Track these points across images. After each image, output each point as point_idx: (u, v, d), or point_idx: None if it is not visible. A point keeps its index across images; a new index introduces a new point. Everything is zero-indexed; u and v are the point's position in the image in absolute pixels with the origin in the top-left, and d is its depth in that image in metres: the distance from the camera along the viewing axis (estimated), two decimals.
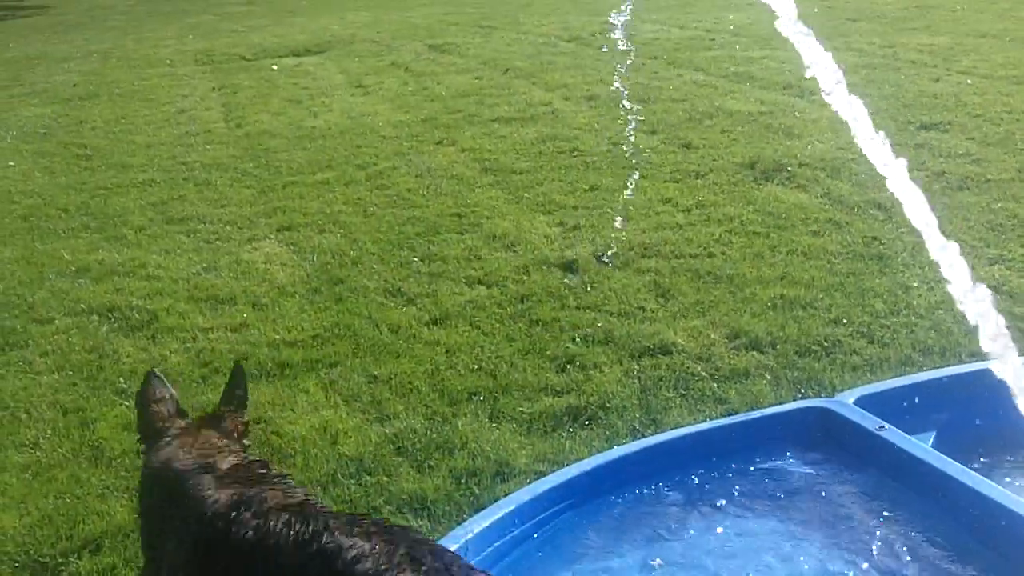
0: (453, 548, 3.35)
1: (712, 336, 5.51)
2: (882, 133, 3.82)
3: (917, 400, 4.16)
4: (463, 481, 4.29)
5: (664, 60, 13.90)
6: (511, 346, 5.60)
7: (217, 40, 19.55)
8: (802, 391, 4.83)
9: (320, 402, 5.09)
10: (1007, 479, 3.79)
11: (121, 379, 5.50)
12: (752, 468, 3.95)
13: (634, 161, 9.04)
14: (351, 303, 6.31)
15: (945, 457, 3.69)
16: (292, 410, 5.00)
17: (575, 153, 9.53)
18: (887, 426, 3.87)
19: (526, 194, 8.40)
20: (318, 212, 8.26)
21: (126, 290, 6.79)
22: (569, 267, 6.65)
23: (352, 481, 4.34)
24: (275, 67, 15.88)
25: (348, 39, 18.34)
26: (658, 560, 3.54)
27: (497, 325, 5.88)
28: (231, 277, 6.86)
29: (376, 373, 5.35)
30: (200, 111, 13.03)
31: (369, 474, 4.39)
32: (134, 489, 4.18)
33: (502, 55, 15.38)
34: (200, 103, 13.61)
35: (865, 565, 3.43)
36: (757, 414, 4.26)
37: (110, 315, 6.40)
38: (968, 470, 3.59)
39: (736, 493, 3.85)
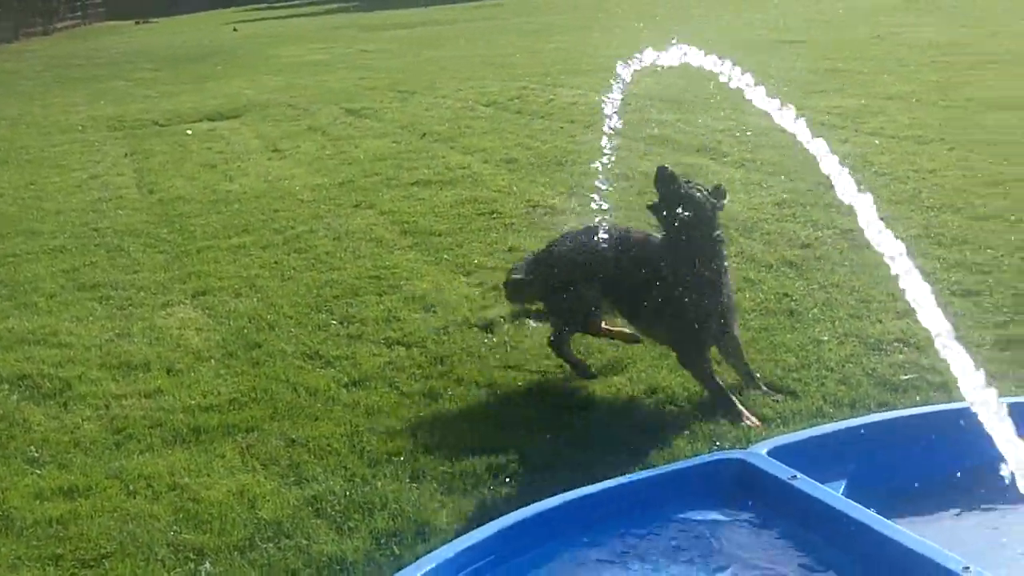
0: None
1: (630, 392, 5.58)
2: None
3: (829, 450, 4.25)
4: (383, 542, 4.28)
5: (581, 124, 14.11)
6: (431, 406, 5.62)
7: (129, 106, 19.42)
8: (717, 443, 4.91)
9: (237, 467, 5.05)
10: (915, 524, 3.87)
11: (32, 448, 5.41)
12: (669, 519, 4.00)
13: (553, 222, 9.16)
14: (268, 367, 6.28)
15: (856, 504, 3.77)
16: (208, 475, 4.96)
17: (494, 215, 9.61)
18: (799, 476, 3.95)
19: (445, 256, 8.45)
20: (234, 276, 8.23)
21: (37, 358, 6.69)
22: (488, 327, 6.70)
23: (271, 544, 4.31)
24: (189, 132, 15.83)
25: (263, 104, 18.35)
26: None
27: (417, 385, 5.89)
28: (145, 343, 6.80)
29: (294, 436, 5.33)
30: (112, 176, 12.94)
31: (288, 537, 4.37)
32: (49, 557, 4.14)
33: (420, 119, 15.49)
34: (112, 169, 13.50)
35: None
36: (673, 467, 4.32)
37: (20, 384, 6.30)
38: (878, 516, 3.67)
39: (654, 545, 3.89)
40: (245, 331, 6.92)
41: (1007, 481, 3.60)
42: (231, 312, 7.32)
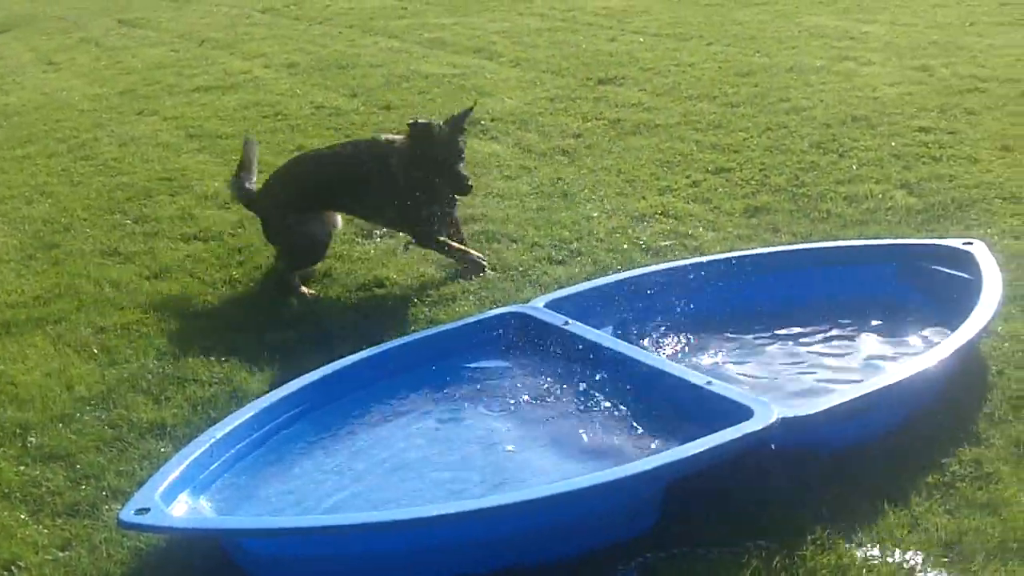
0: (196, 455, 3.75)
1: (422, 269, 6.03)
2: None
3: (597, 301, 4.83)
4: (200, 407, 4.64)
5: (360, 28, 14.33)
6: (233, 292, 5.95)
7: None
8: (498, 303, 5.42)
9: (50, 354, 5.29)
10: (667, 354, 4.52)
11: None
12: (461, 367, 4.53)
13: (338, 122, 9.47)
14: (69, 265, 6.46)
15: (619, 340, 4.38)
16: (23, 362, 5.19)
17: (279, 117, 9.84)
18: (571, 321, 4.52)
19: (234, 157, 8.57)
20: (23, 184, 8.26)
21: None
22: None
23: (92, 416, 4.62)
24: None
25: (31, 17, 17.76)
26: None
27: (218, 275, 6.20)
28: None
29: (103, 325, 5.58)
30: None
31: (108, 409, 4.69)
32: None
33: (197, 27, 15.37)
34: None
35: (559, 429, 4.09)
36: (464, 322, 4.82)
37: None
38: (637, 348, 4.28)
39: (449, 389, 4.42)
40: (41, 234, 7.04)
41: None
42: (24, 217, 7.39)
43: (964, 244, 5.01)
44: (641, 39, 12.12)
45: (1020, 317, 4.87)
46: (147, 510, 3.40)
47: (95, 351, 5.30)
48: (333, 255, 6.29)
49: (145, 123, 10.07)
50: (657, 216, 6.61)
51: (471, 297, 5.62)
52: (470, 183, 5.82)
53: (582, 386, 4.31)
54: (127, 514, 3.40)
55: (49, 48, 14.74)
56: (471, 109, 6.00)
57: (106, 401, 4.76)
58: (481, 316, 4.85)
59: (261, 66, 12.28)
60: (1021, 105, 8.23)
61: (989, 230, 5.90)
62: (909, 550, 3.46)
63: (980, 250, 4.90)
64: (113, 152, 9.05)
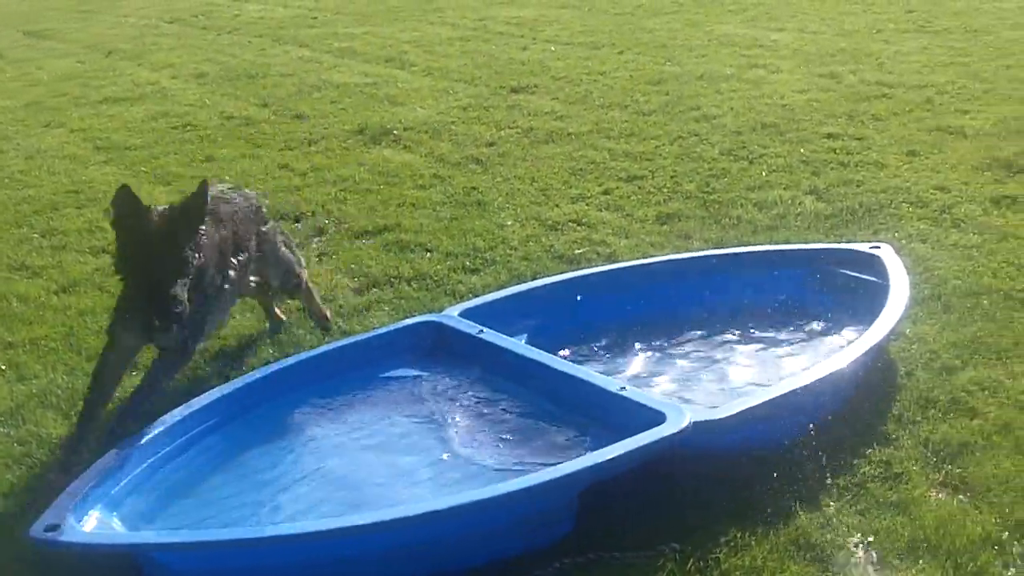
0: (108, 470, 3.69)
1: (335, 279, 6.00)
2: None
3: (511, 309, 4.85)
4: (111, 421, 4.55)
5: (270, 38, 14.23)
6: None
7: None
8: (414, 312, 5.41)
9: None
10: (589, 361, 4.55)
11: None
12: (378, 376, 4.52)
13: (249, 132, 9.38)
14: None
15: (532, 348, 4.40)
16: None
17: (188, 128, 9.73)
18: (485, 330, 4.53)
19: (143, 168, 8.56)
20: None
21: None
22: None
23: (0, 433, 4.50)
24: None
25: None
26: None
27: None
28: None
29: (11, 340, 5.47)
30: None
31: (16, 426, 4.58)
32: None
33: (104, 38, 15.17)
34: None
35: (474, 437, 4.10)
36: (380, 331, 4.80)
37: None
38: (550, 355, 4.31)
39: (366, 397, 4.41)
40: None
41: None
42: None
43: (872, 248, 5.11)
44: (553, 48, 12.21)
45: (927, 319, 4.99)
46: (58, 527, 3.33)
47: (3, 367, 5.18)
48: None
49: (52, 135, 9.90)
50: (570, 224, 6.66)
51: (385, 307, 5.60)
52: (178, 310, 4.01)
53: (497, 394, 4.32)
54: (37, 531, 3.34)
55: None
56: (204, 187, 4.31)
57: (15, 417, 4.65)
58: (396, 326, 4.83)
59: (169, 77, 12.15)
60: (927, 110, 8.46)
61: (896, 234, 6.04)
62: (821, 551, 3.52)
63: (888, 254, 5.00)
64: (19, 165, 8.88)
